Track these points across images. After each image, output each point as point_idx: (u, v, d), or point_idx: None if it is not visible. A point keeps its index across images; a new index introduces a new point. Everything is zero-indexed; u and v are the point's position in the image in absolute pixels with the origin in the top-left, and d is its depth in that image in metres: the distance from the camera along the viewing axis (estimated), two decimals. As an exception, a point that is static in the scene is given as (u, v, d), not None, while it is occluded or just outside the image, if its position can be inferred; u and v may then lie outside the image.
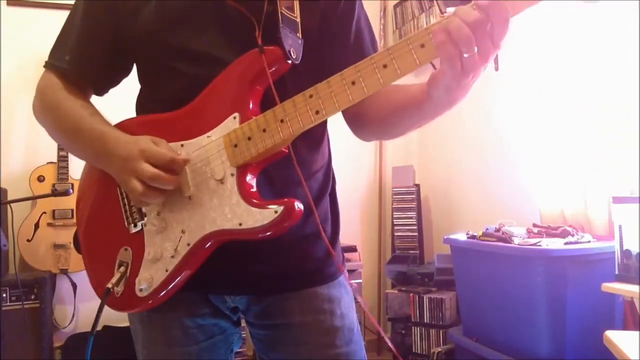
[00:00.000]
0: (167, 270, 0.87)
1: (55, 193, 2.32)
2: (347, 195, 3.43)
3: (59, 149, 2.85)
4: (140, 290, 0.88)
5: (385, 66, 0.75)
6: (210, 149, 0.86)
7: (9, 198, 2.64)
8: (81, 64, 0.97)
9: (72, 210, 2.79)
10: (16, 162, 2.97)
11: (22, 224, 2.77)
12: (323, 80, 0.88)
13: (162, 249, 0.88)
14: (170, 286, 0.87)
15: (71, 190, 2.29)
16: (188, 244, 0.87)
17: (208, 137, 0.87)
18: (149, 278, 0.88)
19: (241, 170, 0.85)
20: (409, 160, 3.64)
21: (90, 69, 0.99)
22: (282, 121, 0.82)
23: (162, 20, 0.92)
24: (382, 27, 3.69)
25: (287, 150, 0.86)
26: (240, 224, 0.83)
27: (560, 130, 2.48)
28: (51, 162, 2.87)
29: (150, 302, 0.89)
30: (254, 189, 0.85)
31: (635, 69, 2.10)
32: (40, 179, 2.83)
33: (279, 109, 0.82)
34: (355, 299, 1.04)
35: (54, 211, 2.81)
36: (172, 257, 0.87)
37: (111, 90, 1.06)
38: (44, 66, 1.00)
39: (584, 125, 2.36)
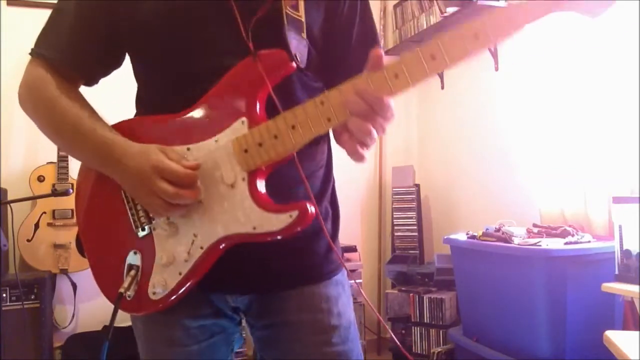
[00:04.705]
0: (180, 274, 0.88)
1: (55, 193, 2.32)
2: (347, 195, 3.43)
3: (59, 148, 2.85)
4: (154, 293, 0.88)
5: (396, 76, 0.77)
6: (219, 154, 0.86)
7: (9, 198, 2.64)
8: (73, 56, 0.93)
9: (72, 210, 2.79)
10: (16, 162, 2.97)
11: (22, 224, 2.76)
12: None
13: (174, 253, 0.88)
14: (183, 289, 0.88)
15: (71, 190, 2.29)
16: (201, 248, 0.87)
17: (216, 141, 0.86)
18: (163, 282, 0.88)
19: (252, 175, 0.85)
20: (409, 160, 3.64)
21: (83, 61, 0.95)
22: (293, 127, 0.82)
23: (163, 16, 0.91)
24: (382, 27, 3.69)
25: (294, 153, 0.87)
26: (254, 228, 0.84)
27: (560, 130, 2.48)
28: (51, 162, 2.87)
29: (161, 304, 0.89)
30: (265, 193, 0.86)
31: (635, 69, 2.10)
32: (40, 179, 2.83)
33: (289, 115, 0.82)
34: (356, 297, 1.05)
35: (54, 211, 2.81)
36: (186, 261, 0.87)
37: (108, 88, 1.04)
38: (30, 53, 0.95)
39: (584, 125, 2.36)
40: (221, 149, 0.86)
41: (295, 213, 0.82)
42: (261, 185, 0.86)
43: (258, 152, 0.84)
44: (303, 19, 0.93)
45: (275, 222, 0.83)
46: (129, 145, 0.88)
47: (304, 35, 0.93)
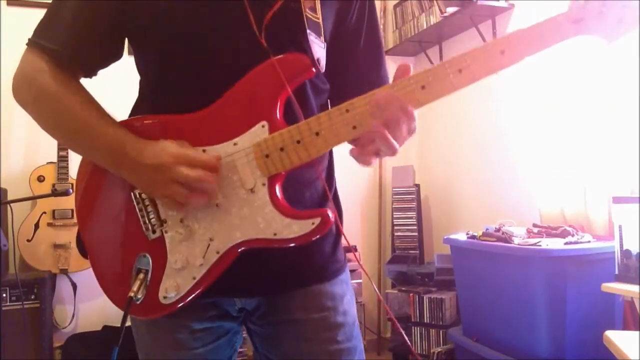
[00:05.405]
0: (194, 279, 0.86)
1: (55, 193, 2.32)
2: (347, 195, 3.42)
3: (59, 149, 2.84)
4: (165, 297, 0.86)
5: (423, 87, 0.79)
6: (239, 157, 0.84)
7: (9, 198, 2.64)
8: (77, 50, 0.89)
9: (72, 210, 2.79)
10: (16, 162, 2.97)
11: (22, 224, 2.77)
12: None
13: (188, 257, 0.86)
14: (195, 293, 0.87)
15: (71, 190, 2.29)
16: (217, 252, 0.85)
17: (235, 144, 0.84)
18: (176, 286, 0.86)
19: (272, 180, 0.84)
20: (409, 160, 3.64)
21: (86, 56, 0.91)
22: (317, 134, 0.82)
23: (172, 14, 0.88)
24: (382, 27, 3.69)
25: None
26: (275, 234, 0.84)
27: (560, 130, 2.48)
28: (51, 162, 2.87)
29: (171, 309, 0.88)
30: (284, 199, 0.85)
31: (635, 69, 2.10)
32: (40, 179, 2.83)
33: (313, 121, 0.82)
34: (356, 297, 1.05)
35: (54, 211, 2.81)
36: (201, 265, 0.86)
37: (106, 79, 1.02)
38: (28, 44, 0.91)
39: (584, 125, 2.36)
40: (240, 153, 0.84)
41: (317, 220, 0.82)
42: (280, 191, 0.85)
43: (280, 158, 0.83)
44: (320, 21, 0.92)
45: (296, 228, 0.83)
46: (143, 144, 0.85)
47: (323, 38, 0.92)
